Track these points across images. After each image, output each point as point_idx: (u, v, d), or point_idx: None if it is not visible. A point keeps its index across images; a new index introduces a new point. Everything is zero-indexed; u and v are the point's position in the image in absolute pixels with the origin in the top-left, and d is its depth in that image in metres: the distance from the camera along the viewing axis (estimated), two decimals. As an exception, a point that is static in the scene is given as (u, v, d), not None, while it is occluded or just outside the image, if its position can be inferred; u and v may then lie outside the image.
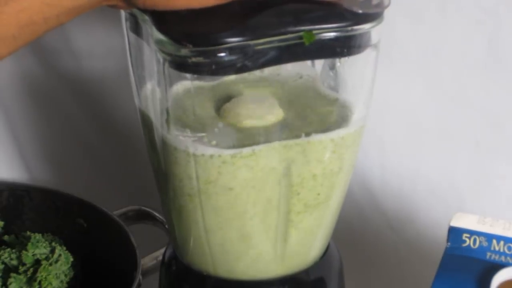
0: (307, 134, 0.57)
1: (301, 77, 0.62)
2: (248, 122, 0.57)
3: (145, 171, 0.68)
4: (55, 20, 0.51)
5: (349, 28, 0.53)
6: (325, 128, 0.57)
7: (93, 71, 0.82)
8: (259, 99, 0.59)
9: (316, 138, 0.57)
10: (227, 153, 0.56)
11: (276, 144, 0.56)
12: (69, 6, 0.51)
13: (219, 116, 0.58)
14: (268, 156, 0.56)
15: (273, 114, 0.58)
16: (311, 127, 0.57)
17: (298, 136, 0.57)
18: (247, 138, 0.57)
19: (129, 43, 0.60)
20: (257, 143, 0.56)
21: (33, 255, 0.67)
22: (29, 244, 0.67)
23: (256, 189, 0.57)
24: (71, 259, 0.69)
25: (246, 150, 0.56)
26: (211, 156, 0.56)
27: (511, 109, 0.71)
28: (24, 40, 0.51)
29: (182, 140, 0.57)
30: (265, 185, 0.57)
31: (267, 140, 0.56)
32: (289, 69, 0.62)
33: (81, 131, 0.85)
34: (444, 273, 0.54)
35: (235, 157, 0.56)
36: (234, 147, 0.56)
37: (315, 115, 0.59)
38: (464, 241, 0.55)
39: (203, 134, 0.57)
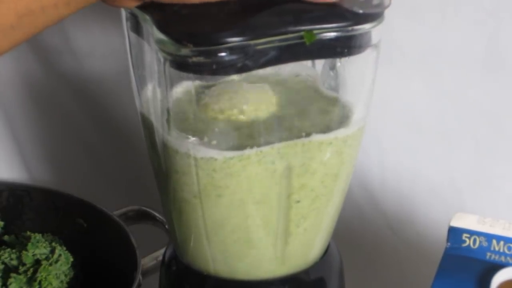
0: (308, 135, 0.57)
1: (297, 76, 0.62)
2: (239, 115, 0.57)
3: (145, 171, 0.68)
4: (53, 9, 0.51)
5: (350, 28, 0.53)
6: (326, 128, 0.57)
7: (93, 71, 0.82)
8: (261, 101, 0.59)
9: (317, 138, 0.57)
10: (228, 155, 0.56)
11: (276, 145, 0.56)
12: None
13: (219, 116, 0.58)
14: (269, 157, 0.56)
15: (266, 103, 0.58)
16: (312, 128, 0.57)
17: (298, 137, 0.57)
18: (248, 138, 0.57)
19: (129, 43, 0.60)
20: (257, 144, 0.56)
21: (33, 255, 0.67)
22: (29, 244, 0.67)
23: (256, 190, 0.58)
24: (71, 259, 0.68)
25: (247, 152, 0.56)
26: (212, 158, 0.56)
27: (511, 109, 0.71)
28: (23, 32, 0.51)
29: (182, 142, 0.57)
30: (265, 186, 0.57)
31: (268, 141, 0.56)
32: (289, 69, 0.62)
33: (81, 131, 0.85)
34: (444, 273, 0.54)
35: (235, 159, 0.56)
36: (234, 147, 0.56)
37: (316, 115, 0.59)
38: (464, 241, 0.56)
39: (204, 134, 0.57)
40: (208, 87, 0.59)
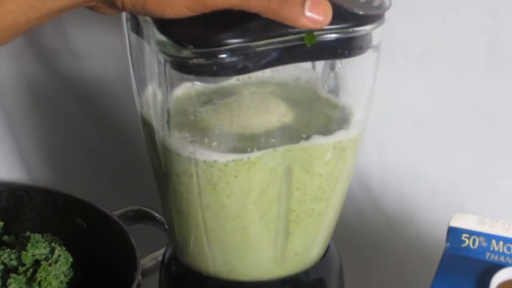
0: (308, 137, 0.57)
1: (297, 79, 0.62)
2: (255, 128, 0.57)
3: (145, 171, 0.68)
4: (36, 21, 0.51)
5: (350, 30, 0.53)
6: (326, 131, 0.57)
7: (93, 72, 0.82)
8: (261, 102, 0.59)
9: (317, 141, 0.57)
10: (229, 158, 0.56)
11: (277, 148, 0.56)
12: (52, 8, 0.51)
13: (219, 118, 0.58)
14: (270, 160, 0.56)
15: (275, 116, 0.58)
16: (312, 130, 0.57)
17: (299, 139, 0.57)
18: (249, 142, 0.57)
19: (129, 44, 0.60)
20: (258, 147, 0.56)
21: (33, 255, 0.67)
22: (29, 244, 0.67)
23: (257, 192, 0.57)
24: (71, 260, 0.69)
25: (248, 155, 0.56)
26: (212, 161, 0.56)
27: (511, 109, 0.71)
28: (3, 41, 0.51)
29: (183, 143, 0.57)
30: (266, 188, 0.57)
31: (269, 145, 0.56)
32: (289, 72, 0.62)
33: (81, 131, 0.85)
34: (444, 273, 0.54)
35: (237, 161, 0.56)
36: (235, 150, 0.56)
37: (316, 117, 0.59)
38: (464, 241, 0.56)
39: (204, 136, 0.57)
40: (211, 97, 0.59)
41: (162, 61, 0.54)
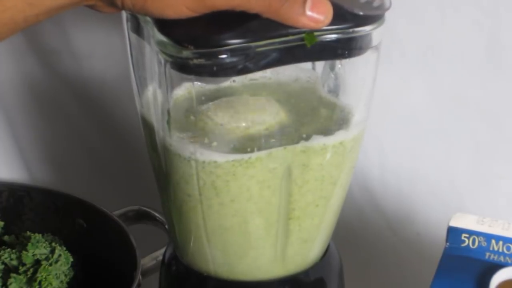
0: (308, 138, 0.57)
1: (297, 79, 0.62)
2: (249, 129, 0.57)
3: (145, 171, 0.68)
4: (34, 19, 0.51)
5: (350, 30, 0.53)
6: (326, 131, 0.58)
7: (94, 72, 0.82)
8: (262, 102, 0.59)
9: (317, 141, 0.57)
10: (229, 158, 0.56)
11: (277, 148, 0.56)
12: (50, 6, 0.51)
13: (219, 118, 0.58)
14: (270, 160, 0.56)
15: (274, 117, 0.58)
16: (312, 131, 0.57)
17: (299, 139, 0.57)
18: (249, 142, 0.57)
19: (130, 44, 0.60)
20: (258, 147, 0.56)
21: (33, 255, 0.67)
22: (29, 244, 0.67)
23: (257, 192, 0.58)
24: (71, 259, 0.69)
25: (248, 155, 0.56)
26: (213, 161, 0.56)
27: (511, 109, 0.71)
28: (0, 38, 0.51)
29: (183, 143, 0.57)
30: (266, 188, 0.57)
31: (269, 145, 0.56)
32: (289, 72, 0.62)
33: (81, 131, 0.85)
34: (443, 273, 0.54)
35: (237, 161, 0.56)
36: (235, 150, 0.56)
37: (316, 118, 0.59)
38: (463, 241, 0.56)
39: (204, 137, 0.57)
40: (211, 97, 0.59)
41: (163, 62, 0.54)
